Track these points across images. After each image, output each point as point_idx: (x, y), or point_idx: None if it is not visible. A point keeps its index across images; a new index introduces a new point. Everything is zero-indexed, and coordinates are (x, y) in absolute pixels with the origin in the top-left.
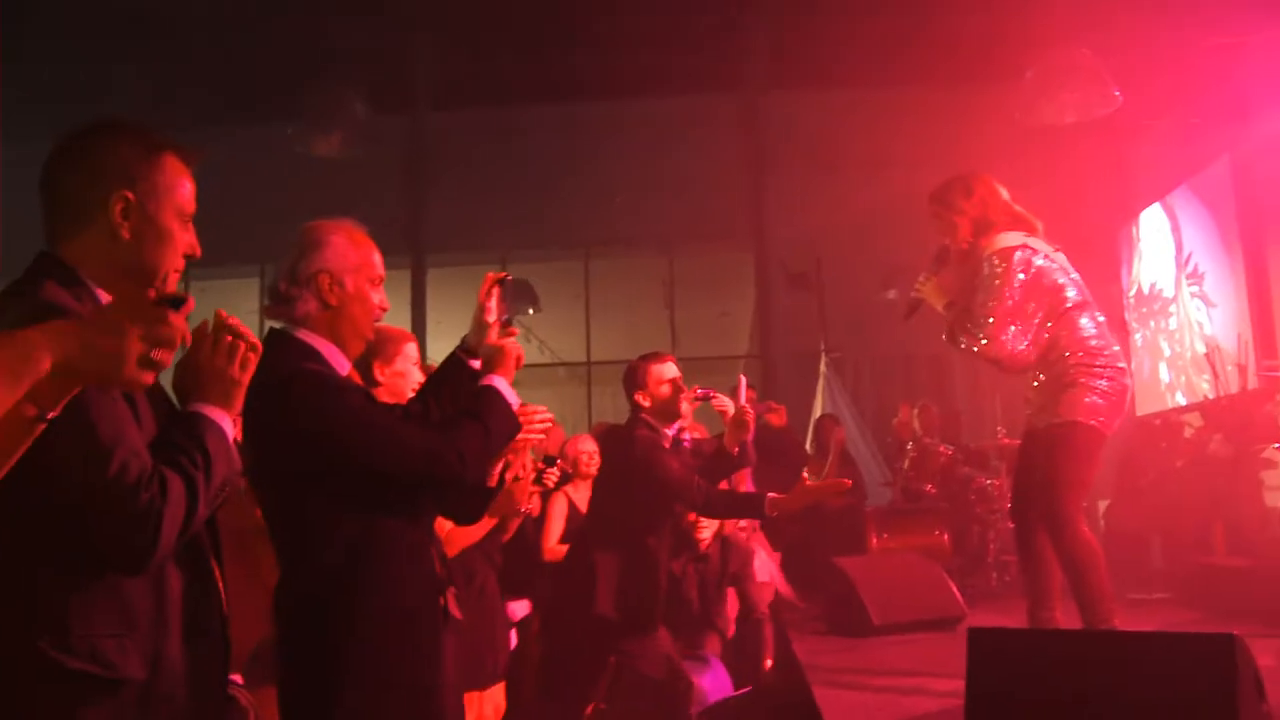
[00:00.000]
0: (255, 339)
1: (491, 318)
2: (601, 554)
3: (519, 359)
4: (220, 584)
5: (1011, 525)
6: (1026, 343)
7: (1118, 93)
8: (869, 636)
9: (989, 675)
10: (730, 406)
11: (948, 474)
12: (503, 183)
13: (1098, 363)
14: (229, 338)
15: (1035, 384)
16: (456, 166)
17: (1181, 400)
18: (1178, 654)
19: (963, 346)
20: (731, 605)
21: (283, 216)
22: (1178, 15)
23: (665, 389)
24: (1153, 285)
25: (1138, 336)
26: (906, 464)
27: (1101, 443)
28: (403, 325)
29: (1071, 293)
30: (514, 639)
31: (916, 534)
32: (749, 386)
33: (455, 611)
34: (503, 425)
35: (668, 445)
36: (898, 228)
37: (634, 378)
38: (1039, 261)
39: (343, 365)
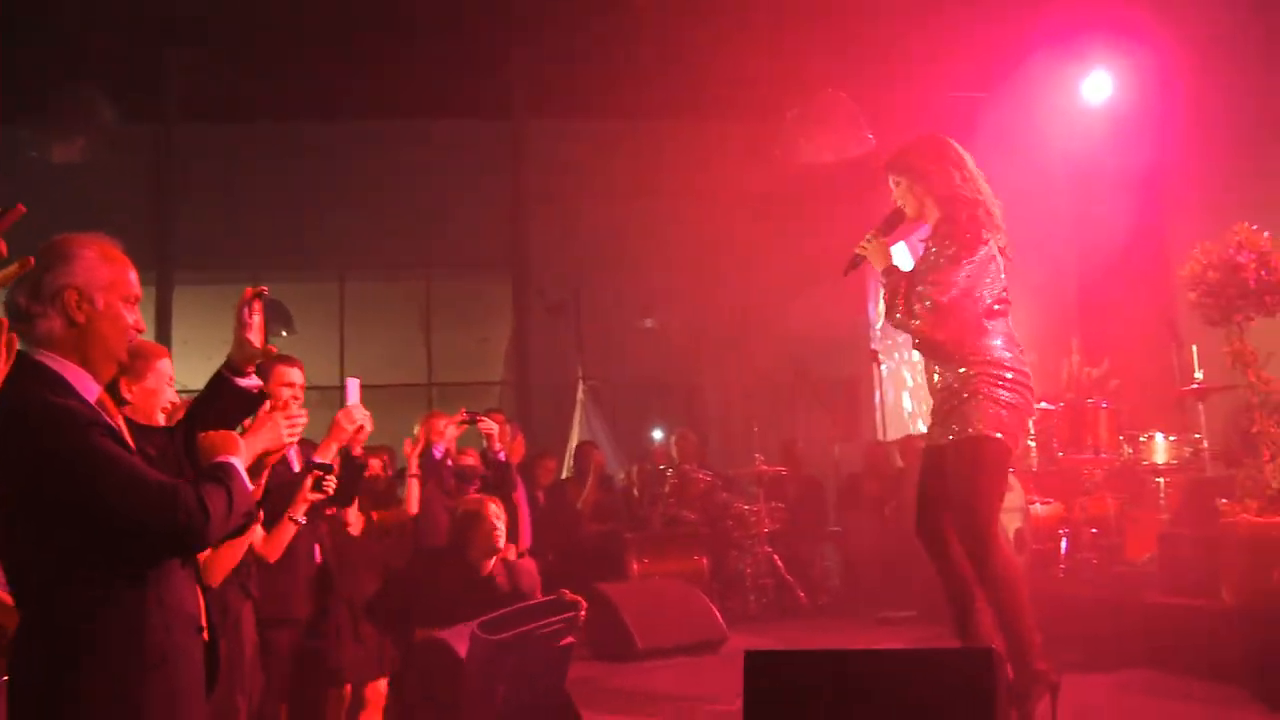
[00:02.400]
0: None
1: (252, 333)
2: None
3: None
4: None
5: (919, 539)
6: (956, 330)
7: (871, 136)
8: (633, 661)
9: (765, 696)
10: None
11: (707, 500)
12: (257, 200)
13: (1005, 374)
14: None
15: (936, 381)
16: (208, 181)
17: (923, 428)
18: (944, 667)
19: (897, 318)
20: None
21: (14, 224)
22: (925, 68)
23: (283, 391)
24: None
25: (884, 367)
26: (667, 489)
27: (1008, 456)
28: None
29: (1002, 294)
30: None
31: (676, 559)
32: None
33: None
34: (242, 501)
35: None
36: (656, 258)
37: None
38: (991, 253)
39: (91, 390)
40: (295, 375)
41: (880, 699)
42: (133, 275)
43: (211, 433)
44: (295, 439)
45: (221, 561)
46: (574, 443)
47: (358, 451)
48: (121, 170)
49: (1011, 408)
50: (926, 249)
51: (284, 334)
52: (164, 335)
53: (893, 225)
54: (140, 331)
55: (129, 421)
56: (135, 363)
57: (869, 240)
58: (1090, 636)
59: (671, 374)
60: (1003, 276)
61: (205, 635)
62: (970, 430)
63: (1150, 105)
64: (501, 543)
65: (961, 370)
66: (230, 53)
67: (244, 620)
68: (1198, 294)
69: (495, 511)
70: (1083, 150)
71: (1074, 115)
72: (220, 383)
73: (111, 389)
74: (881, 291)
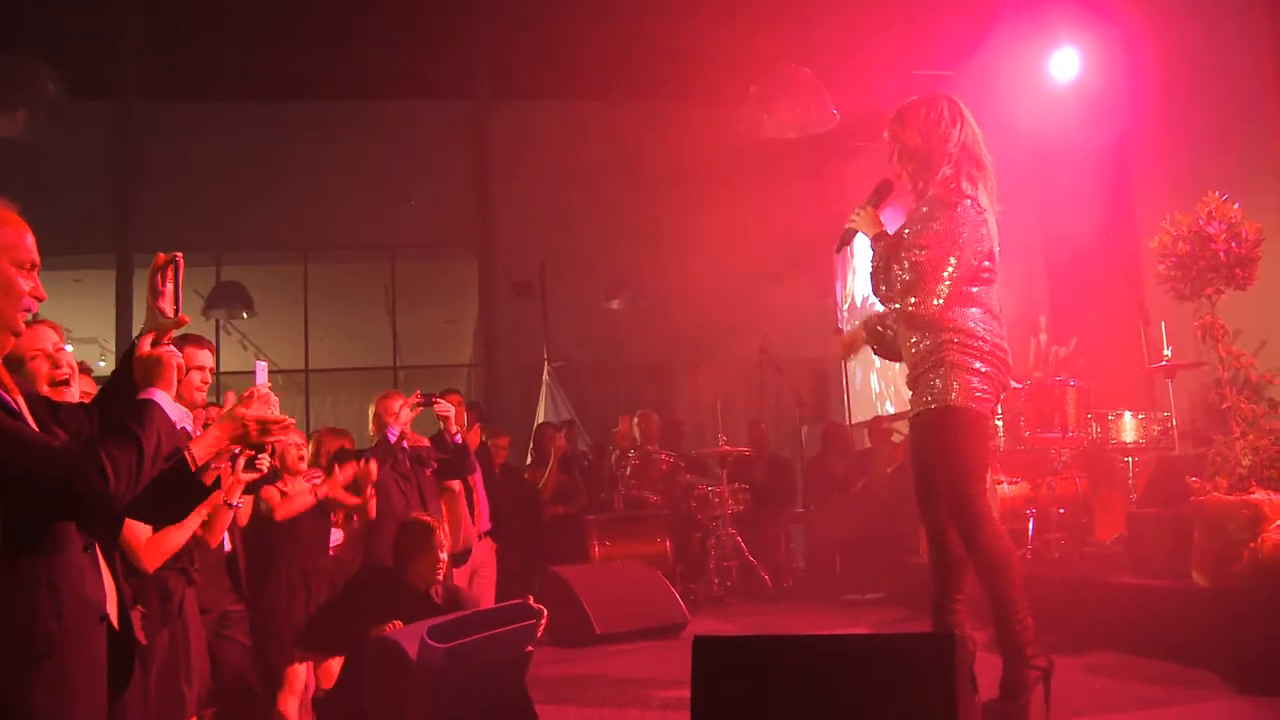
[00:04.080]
0: None
1: (166, 302)
2: None
3: (180, 369)
4: None
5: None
6: (942, 303)
7: (836, 112)
8: (591, 646)
9: (714, 684)
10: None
11: (669, 481)
12: (218, 180)
13: (981, 344)
14: None
15: (912, 348)
16: (168, 161)
17: (890, 409)
18: (901, 654)
19: (883, 290)
20: None
21: None
22: (892, 45)
23: (194, 375)
24: (865, 298)
25: None
26: (629, 471)
27: (986, 426)
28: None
29: (987, 261)
30: None
31: (638, 542)
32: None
33: (140, 636)
34: (161, 443)
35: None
36: (622, 238)
37: None
38: (984, 215)
39: None
40: (205, 358)
41: (835, 685)
42: (29, 239)
43: (143, 355)
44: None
45: (160, 545)
46: (538, 423)
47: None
48: (79, 150)
49: (986, 378)
50: (916, 208)
51: (245, 315)
52: (125, 319)
53: (883, 195)
54: (40, 300)
55: (38, 398)
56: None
57: (859, 213)
58: (1058, 618)
59: (638, 355)
60: (994, 241)
61: (116, 624)
62: (944, 401)
63: (1118, 81)
64: (442, 574)
65: (936, 336)
66: (191, 31)
67: (187, 606)
68: (1166, 266)
69: (442, 541)
70: (1049, 128)
71: (1040, 93)
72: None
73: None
74: (869, 262)
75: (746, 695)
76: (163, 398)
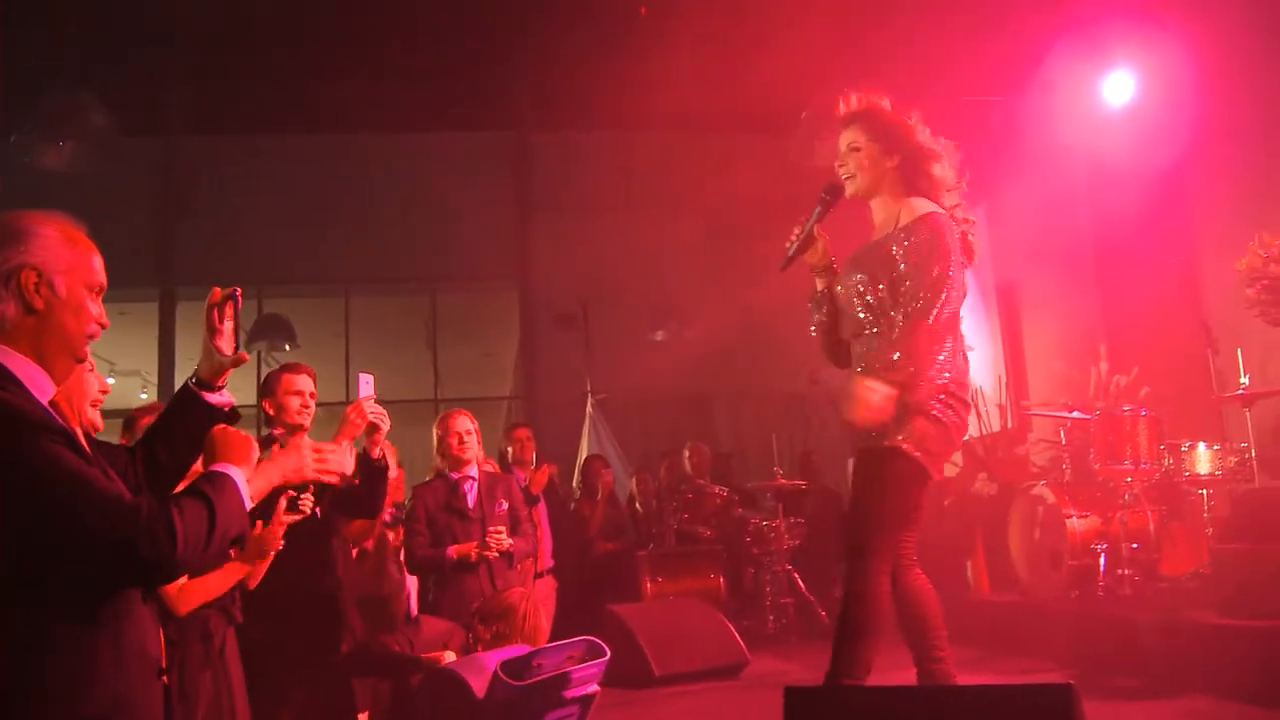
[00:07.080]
0: None
1: (223, 340)
2: None
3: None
4: None
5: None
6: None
7: None
8: (649, 688)
9: None
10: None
11: (723, 516)
12: (260, 213)
13: (944, 385)
14: None
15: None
16: (211, 194)
17: None
18: (1017, 707)
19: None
20: None
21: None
22: (939, 72)
23: (292, 400)
24: None
25: None
26: (680, 505)
27: (924, 480)
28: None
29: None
30: None
31: (691, 578)
32: (373, 384)
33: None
34: (232, 522)
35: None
36: (664, 269)
37: (265, 386)
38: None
39: (44, 389)
40: (304, 383)
41: None
42: (97, 261)
43: (220, 429)
44: (325, 476)
45: (195, 592)
46: (582, 457)
47: (377, 453)
48: (123, 183)
49: (941, 426)
50: (882, 234)
51: (287, 348)
52: (167, 352)
53: (830, 204)
54: (104, 327)
55: (87, 435)
56: None
57: (799, 233)
58: (1141, 660)
59: (682, 387)
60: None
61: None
62: (892, 441)
63: (1175, 103)
64: None
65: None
66: (233, 65)
67: (229, 648)
68: (1256, 290)
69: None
70: (1104, 153)
71: (1094, 117)
72: (188, 399)
73: None
74: (815, 309)
75: None
76: (240, 476)
